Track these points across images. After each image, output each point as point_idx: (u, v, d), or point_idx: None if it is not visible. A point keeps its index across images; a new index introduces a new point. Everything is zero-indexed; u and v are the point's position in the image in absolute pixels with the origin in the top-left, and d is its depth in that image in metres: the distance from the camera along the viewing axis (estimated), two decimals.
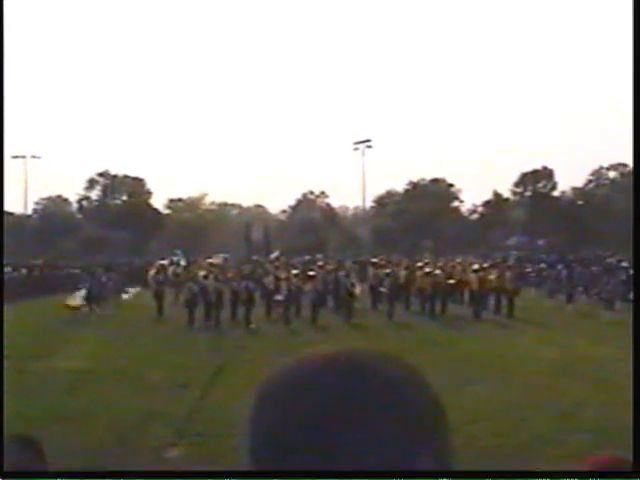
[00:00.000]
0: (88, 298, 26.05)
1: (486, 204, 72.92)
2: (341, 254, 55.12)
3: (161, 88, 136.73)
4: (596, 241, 58.64)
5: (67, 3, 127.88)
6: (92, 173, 78.78)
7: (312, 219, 74.62)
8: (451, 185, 77.18)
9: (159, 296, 24.84)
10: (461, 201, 77.27)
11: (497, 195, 72.67)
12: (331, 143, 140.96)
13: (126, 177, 78.22)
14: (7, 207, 48.74)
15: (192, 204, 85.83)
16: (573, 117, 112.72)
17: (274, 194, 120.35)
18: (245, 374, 13.07)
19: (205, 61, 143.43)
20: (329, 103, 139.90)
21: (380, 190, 78.28)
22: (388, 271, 25.75)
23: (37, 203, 78.44)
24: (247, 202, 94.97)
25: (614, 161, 73.33)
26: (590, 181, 74.82)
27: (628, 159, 64.76)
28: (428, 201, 71.35)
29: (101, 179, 78.58)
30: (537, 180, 72.94)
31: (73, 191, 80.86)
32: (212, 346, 17.34)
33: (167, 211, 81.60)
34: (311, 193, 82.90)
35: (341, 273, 26.55)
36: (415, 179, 77.02)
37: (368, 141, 66.09)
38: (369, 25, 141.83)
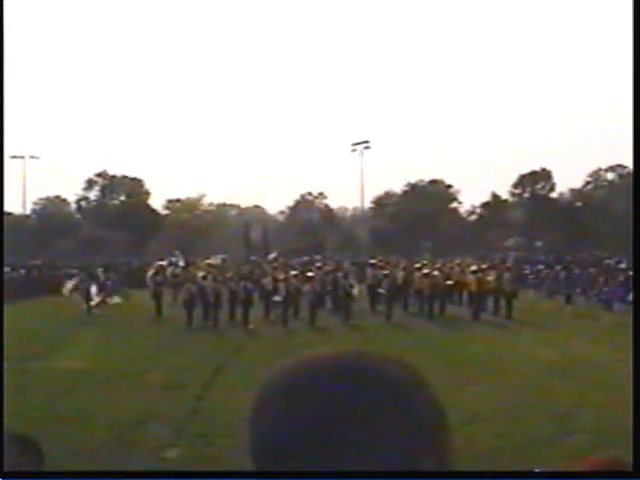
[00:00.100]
0: (86, 298, 26.10)
1: (484, 205, 72.93)
2: (339, 255, 55.11)
3: (160, 88, 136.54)
4: (594, 242, 58.70)
5: (66, 3, 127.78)
6: (90, 173, 78.79)
7: (311, 220, 74.63)
8: (449, 186, 77.17)
9: (158, 297, 24.84)
10: (459, 202, 77.31)
11: (495, 196, 72.68)
12: (330, 144, 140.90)
13: (124, 177, 78.18)
14: (6, 207, 48.61)
15: (191, 205, 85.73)
16: (571, 118, 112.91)
17: (273, 195, 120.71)
18: (243, 375, 13.07)
19: (204, 62, 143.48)
20: (327, 104, 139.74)
21: (378, 191, 78.35)
22: (386, 272, 25.75)
23: (35, 203, 78.48)
24: (246, 203, 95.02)
25: (612, 162, 73.50)
26: (588, 182, 74.86)
27: (626, 160, 64.99)
28: (426, 202, 71.35)
29: (99, 179, 78.51)
30: (535, 181, 72.97)
31: (72, 191, 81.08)
32: (210, 347, 17.34)
33: (166, 212, 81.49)
34: (309, 194, 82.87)
35: (339, 274, 26.58)
36: (413, 180, 77.06)
37: (366, 142, 66.11)
38: (367, 26, 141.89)
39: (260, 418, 0.85)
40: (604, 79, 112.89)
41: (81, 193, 78.64)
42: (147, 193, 78.86)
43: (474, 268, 26.14)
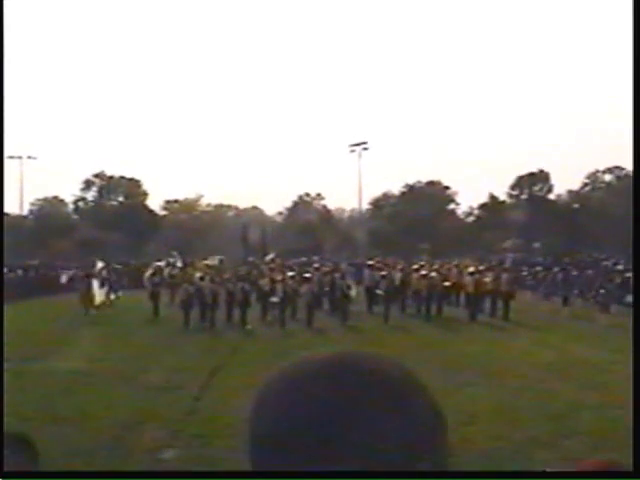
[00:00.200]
0: (84, 299, 26.10)
1: (482, 207, 72.98)
2: (337, 256, 55.15)
3: (158, 89, 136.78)
4: (592, 244, 58.73)
5: (65, 4, 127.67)
6: (88, 174, 78.76)
7: (308, 221, 74.59)
8: (447, 187, 77.23)
9: (155, 297, 24.83)
10: (457, 204, 77.39)
11: (493, 198, 72.72)
12: (327, 145, 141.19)
13: (122, 178, 78.14)
14: (3, 208, 48.58)
15: (188, 205, 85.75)
16: (569, 120, 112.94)
17: (270, 196, 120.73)
18: (240, 375, 13.07)
19: (202, 62, 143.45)
20: (326, 105, 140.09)
21: (376, 192, 78.40)
22: (384, 273, 25.75)
23: (33, 204, 78.45)
24: (243, 204, 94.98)
25: (610, 164, 73.58)
26: (586, 184, 74.93)
27: (624, 162, 65.10)
28: (424, 203, 71.40)
29: (97, 180, 78.46)
30: (533, 183, 73.04)
31: (69, 192, 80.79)
32: (208, 347, 17.34)
33: (163, 212, 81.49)
34: (307, 195, 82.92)
35: (337, 275, 26.58)
36: (411, 181, 77.10)
37: (364, 143, 66.16)
38: (365, 28, 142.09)
39: (260, 418, 0.86)
40: (603, 80, 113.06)
41: (79, 194, 78.74)
42: (145, 194, 78.88)
43: (471, 269, 26.15)
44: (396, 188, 77.84)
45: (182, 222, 78.35)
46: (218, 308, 22.48)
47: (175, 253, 35.07)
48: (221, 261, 40.07)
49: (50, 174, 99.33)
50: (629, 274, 25.54)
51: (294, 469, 0.80)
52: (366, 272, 29.04)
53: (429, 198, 73.77)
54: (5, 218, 53.86)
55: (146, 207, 76.02)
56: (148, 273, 27.67)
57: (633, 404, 6.67)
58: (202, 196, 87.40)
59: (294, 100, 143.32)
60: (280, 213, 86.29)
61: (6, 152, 57.32)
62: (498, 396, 11.30)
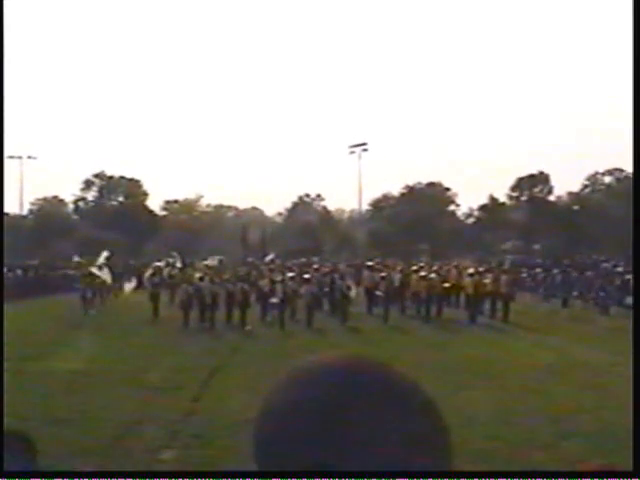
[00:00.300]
0: (84, 299, 26.18)
1: (482, 208, 72.94)
2: (337, 257, 55.18)
3: (158, 89, 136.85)
4: (592, 246, 58.73)
5: (65, 4, 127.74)
6: (88, 174, 78.77)
7: (308, 222, 74.58)
8: (447, 189, 77.25)
9: (155, 298, 24.83)
10: (457, 205, 77.40)
11: (493, 199, 72.70)
12: (327, 146, 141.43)
13: (122, 178, 78.12)
14: (3, 207, 48.56)
15: (188, 206, 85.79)
16: (569, 122, 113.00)
17: (270, 197, 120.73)
18: (240, 376, 13.09)
19: (203, 63, 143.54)
20: (325, 106, 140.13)
21: (376, 193, 78.47)
22: (383, 274, 25.76)
23: (33, 204, 78.43)
24: (243, 204, 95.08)
25: (610, 166, 73.58)
26: (586, 186, 74.93)
27: (624, 164, 65.10)
28: (424, 205, 71.39)
29: (97, 180, 78.44)
30: (533, 184, 73.01)
31: (69, 192, 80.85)
32: (207, 348, 17.33)
33: (163, 213, 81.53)
34: (307, 196, 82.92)
35: (337, 276, 26.59)
36: (411, 182, 77.13)
37: (364, 144, 66.26)
38: (365, 28, 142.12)
39: (267, 421, 0.88)
40: (603, 82, 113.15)
41: (79, 194, 78.72)
42: (145, 194, 78.85)
43: (471, 271, 26.14)
44: (396, 189, 78.00)
45: (182, 222, 78.34)
46: (218, 309, 22.46)
47: (175, 253, 35.06)
48: (221, 262, 40.09)
49: (50, 174, 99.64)
50: (629, 276, 25.56)
51: (299, 469, 0.82)
52: (366, 273, 29.06)
53: (429, 199, 73.78)
54: (5, 218, 53.86)
55: (146, 207, 76.02)
56: (148, 273, 27.69)
57: (633, 406, 6.67)
58: (202, 196, 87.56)
59: (294, 101, 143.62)
60: (280, 214, 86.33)
61: (6, 152, 57.40)
62: (497, 398, 11.29)
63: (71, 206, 79.65)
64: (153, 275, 26.94)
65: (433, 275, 25.76)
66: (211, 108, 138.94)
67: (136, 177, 78.80)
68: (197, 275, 24.94)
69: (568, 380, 12.82)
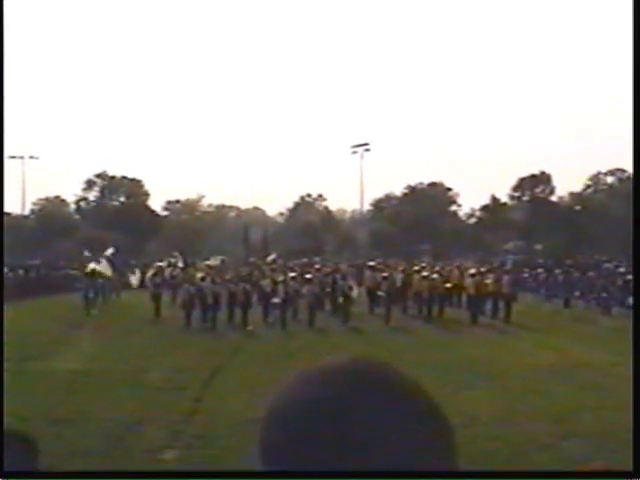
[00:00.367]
0: (86, 299, 26.22)
1: (484, 208, 72.85)
2: (338, 257, 55.16)
3: (159, 89, 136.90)
4: (594, 246, 58.68)
5: (66, 4, 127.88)
6: (90, 174, 78.70)
7: (310, 222, 74.55)
8: (449, 189, 77.20)
9: (156, 298, 24.83)
10: (459, 205, 77.34)
11: (495, 199, 72.61)
12: (329, 146, 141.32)
13: (124, 178, 78.07)
14: (5, 207, 48.60)
15: (190, 206, 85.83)
16: (571, 122, 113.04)
17: (272, 196, 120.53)
18: (242, 376, 13.10)
19: (204, 63, 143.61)
20: (327, 106, 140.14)
21: (378, 193, 78.40)
22: (385, 275, 25.75)
23: (35, 204, 78.40)
24: (245, 204, 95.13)
25: (612, 166, 73.49)
26: (588, 186, 74.84)
27: (626, 164, 65.01)
28: (426, 205, 71.34)
29: (99, 180, 78.38)
30: (535, 185, 72.91)
31: (71, 192, 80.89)
32: (209, 348, 17.32)
33: (165, 213, 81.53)
34: (309, 196, 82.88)
35: (338, 276, 26.58)
36: (413, 183, 77.07)
37: (366, 144, 66.21)
38: (367, 28, 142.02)
39: (272, 421, 0.88)
40: (604, 83, 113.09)
41: (80, 194, 78.64)
42: (146, 194, 78.79)
43: (473, 271, 26.12)
44: (398, 189, 77.93)
45: (184, 222, 78.34)
46: (219, 309, 22.47)
47: (176, 253, 35.07)
48: (222, 262, 40.15)
49: (52, 174, 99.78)
50: (631, 276, 25.52)
51: (299, 469, 0.83)
52: (367, 273, 29.07)
53: (431, 199, 73.73)
54: (7, 218, 53.94)
55: (148, 207, 75.96)
56: (149, 273, 27.71)
57: (633, 406, 6.67)
58: (204, 197, 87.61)
59: (296, 101, 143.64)
60: (281, 214, 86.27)
61: (8, 152, 57.59)
62: (499, 398, 11.29)
63: (73, 206, 79.63)
64: (155, 275, 26.95)
65: (435, 275, 25.77)
66: (213, 108, 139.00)
67: (138, 177, 78.82)
68: (199, 275, 24.93)
69: (569, 380, 12.81)
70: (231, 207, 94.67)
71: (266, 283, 24.46)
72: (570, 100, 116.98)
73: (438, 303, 24.38)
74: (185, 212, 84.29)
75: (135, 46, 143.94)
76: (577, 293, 28.64)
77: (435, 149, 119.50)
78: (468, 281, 25.06)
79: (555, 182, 72.99)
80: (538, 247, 65.66)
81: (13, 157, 63.71)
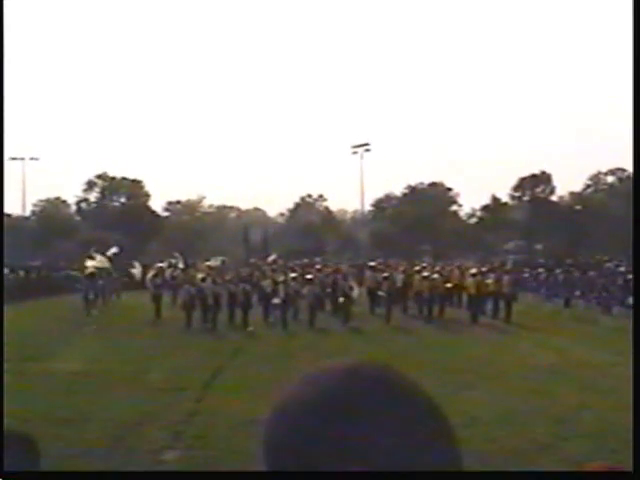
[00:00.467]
0: (86, 300, 26.23)
1: (484, 208, 72.87)
2: (339, 257, 55.15)
3: (160, 90, 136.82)
4: (594, 246, 58.67)
5: (66, 4, 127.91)
6: (91, 175, 78.70)
7: (310, 222, 74.58)
8: (449, 189, 77.23)
9: (157, 299, 24.82)
10: (459, 205, 77.36)
11: (495, 199, 72.63)
12: (330, 146, 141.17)
13: (124, 179, 78.07)
14: (5, 208, 48.62)
15: (191, 207, 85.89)
16: (571, 122, 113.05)
17: (273, 197, 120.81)
18: (242, 377, 13.10)
19: (204, 64, 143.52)
20: (328, 106, 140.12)
21: (378, 193, 78.44)
22: (386, 275, 25.76)
23: (35, 205, 78.46)
24: (245, 205, 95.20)
25: (612, 166, 73.53)
26: (588, 186, 74.86)
27: (626, 164, 64.97)
28: (426, 205, 71.35)
29: (100, 181, 78.38)
30: (535, 184, 72.91)
31: (71, 193, 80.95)
32: (209, 349, 17.32)
33: (166, 213, 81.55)
34: (309, 196, 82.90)
35: (339, 276, 26.59)
36: (413, 183, 77.13)
37: (367, 144, 66.20)
38: (367, 29, 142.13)
39: (275, 421, 0.89)
40: (604, 83, 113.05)
41: (81, 195, 78.62)
42: (147, 195, 78.78)
43: (473, 271, 26.11)
44: (398, 189, 77.98)
45: (184, 223, 78.40)
46: (220, 309, 22.47)
47: (177, 254, 35.08)
48: (223, 262, 40.08)
49: (52, 175, 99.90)
50: (631, 276, 25.51)
51: (306, 469, 0.84)
52: (368, 273, 29.09)
53: (431, 199, 73.76)
54: (7, 219, 53.98)
55: (148, 208, 75.96)
56: (150, 274, 27.69)
57: (633, 406, 6.67)
58: (204, 197, 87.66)
59: (296, 101, 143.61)
60: (282, 214, 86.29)
61: (8, 153, 57.70)
62: (499, 398, 11.29)
63: (73, 207, 79.66)
64: (155, 276, 26.92)
65: (435, 275, 25.77)
66: (213, 109, 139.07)
67: (138, 178, 78.80)
68: (199, 276, 24.90)
69: (570, 380, 12.81)
70: (232, 208, 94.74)
71: (267, 284, 24.46)
72: (570, 100, 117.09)
73: (438, 303, 24.38)
74: (186, 213, 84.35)
75: (136, 47, 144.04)
76: (577, 293, 28.64)
77: (435, 149, 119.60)
78: (469, 281, 25.07)
79: (555, 182, 73.11)
80: (538, 247, 65.70)
81: (14, 158, 63.79)
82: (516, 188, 73.87)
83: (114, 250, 31.43)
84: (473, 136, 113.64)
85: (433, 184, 77.03)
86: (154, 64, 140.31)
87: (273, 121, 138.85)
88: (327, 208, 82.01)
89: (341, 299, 23.54)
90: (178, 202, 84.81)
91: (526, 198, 72.91)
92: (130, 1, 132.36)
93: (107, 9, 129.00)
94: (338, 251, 65.86)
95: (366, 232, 70.27)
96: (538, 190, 72.90)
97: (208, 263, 35.99)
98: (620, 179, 71.83)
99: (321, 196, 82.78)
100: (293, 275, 25.45)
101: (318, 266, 33.20)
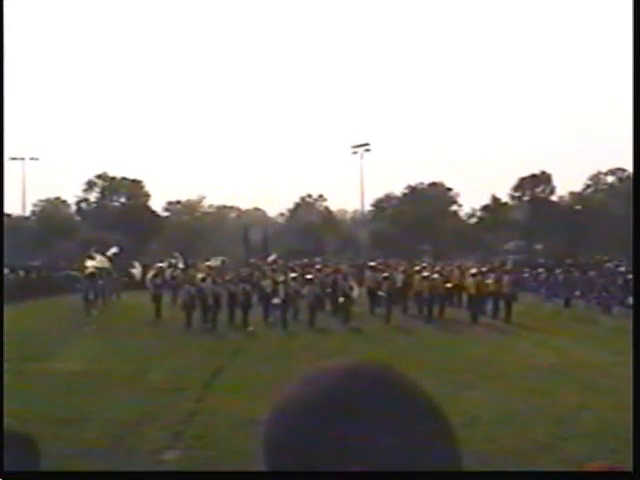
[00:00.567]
0: (86, 300, 26.23)
1: (484, 208, 72.87)
2: (339, 257, 55.16)
3: (160, 90, 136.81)
4: (594, 246, 58.67)
5: (66, 4, 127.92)
6: (91, 175, 78.70)
7: (310, 222, 74.58)
8: (449, 189, 77.24)
9: (157, 299, 24.82)
10: (459, 205, 77.37)
11: (495, 199, 72.63)
12: (330, 146, 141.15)
13: (124, 179, 78.06)
14: (5, 208, 48.62)
15: (191, 207, 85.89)
16: (571, 122, 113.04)
17: (273, 197, 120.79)
18: (242, 377, 13.10)
19: (204, 64, 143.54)
20: (328, 106, 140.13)
21: (378, 193, 78.46)
22: (386, 275, 25.76)
23: (35, 205, 78.46)
24: (245, 205, 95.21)
25: (612, 166, 73.55)
26: (588, 186, 74.87)
27: (626, 164, 64.99)
28: (426, 205, 71.35)
29: (100, 181, 78.37)
30: (535, 184, 72.91)
31: (71, 193, 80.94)
32: (209, 349, 17.32)
33: (166, 214, 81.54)
34: (309, 196, 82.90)
35: (339, 276, 26.59)
36: (413, 183, 77.14)
37: (367, 145, 66.20)
38: (367, 29, 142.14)
39: (280, 422, 0.89)
40: (604, 83, 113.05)
41: (81, 195, 78.61)
42: (147, 195, 78.77)
43: (473, 271, 26.11)
44: (398, 189, 78.00)
45: (184, 223, 78.40)
46: (220, 309, 22.47)
47: (177, 254, 35.08)
48: (223, 262, 40.08)
49: (52, 175, 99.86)
50: (631, 276, 25.51)
51: (307, 469, 0.84)
52: (368, 273, 29.09)
53: (431, 199, 73.76)
54: (7, 219, 53.97)
55: (148, 208, 75.94)
56: (150, 274, 27.69)
57: (633, 406, 6.67)
58: (204, 197, 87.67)
59: (296, 101, 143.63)
60: (282, 214, 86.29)
61: (8, 153, 57.69)
62: (499, 398, 11.29)
63: (73, 207, 79.64)
64: (155, 276, 26.92)
65: (435, 275, 25.77)
66: (213, 109, 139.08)
67: (138, 178, 78.78)
68: (199, 276, 24.89)
69: (570, 380, 12.81)
70: (232, 208, 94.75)
71: (267, 284, 24.46)
72: (570, 100, 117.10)
73: (439, 303, 24.38)
74: (186, 213, 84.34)
75: (136, 47, 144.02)
76: (577, 293, 28.63)
77: (435, 149, 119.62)
78: (469, 281, 25.07)
79: (555, 182, 73.11)
80: (538, 247, 65.69)
81: (14, 158, 63.81)
82: (516, 188, 73.88)
83: (114, 250, 31.51)
84: (473, 136, 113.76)
85: (433, 184, 77.04)
86: (154, 64, 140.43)
87: (273, 121, 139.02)
88: (327, 208, 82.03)
89: (341, 299, 23.55)
90: (178, 202, 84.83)
91: (526, 198, 72.91)
92: (130, 1, 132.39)
93: (107, 9, 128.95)
94: (338, 251, 65.86)
95: (366, 232, 70.26)
96: (538, 190, 72.90)
97: (208, 263, 35.99)
98: (620, 179, 71.83)
99: (321, 196, 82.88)
100: (293, 275, 25.45)
101: (318, 266, 33.20)
